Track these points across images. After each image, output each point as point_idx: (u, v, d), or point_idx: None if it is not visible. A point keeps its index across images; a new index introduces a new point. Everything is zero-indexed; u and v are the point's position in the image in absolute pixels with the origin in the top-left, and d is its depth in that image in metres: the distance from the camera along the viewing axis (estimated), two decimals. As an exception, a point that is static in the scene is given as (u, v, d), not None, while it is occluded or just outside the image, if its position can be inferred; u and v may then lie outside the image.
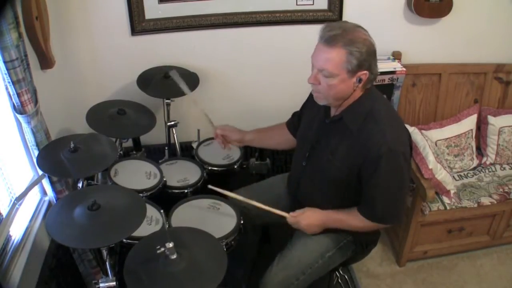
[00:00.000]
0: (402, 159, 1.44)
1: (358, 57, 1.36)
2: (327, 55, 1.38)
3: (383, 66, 2.26)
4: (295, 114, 1.86)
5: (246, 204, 1.73)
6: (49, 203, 1.82)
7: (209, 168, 2.03)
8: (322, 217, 1.61)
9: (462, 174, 2.42)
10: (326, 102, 1.51)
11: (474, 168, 2.46)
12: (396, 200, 1.52)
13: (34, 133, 1.61)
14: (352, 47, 1.35)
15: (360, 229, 1.62)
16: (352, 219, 1.57)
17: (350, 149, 1.48)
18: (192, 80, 2.15)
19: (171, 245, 1.28)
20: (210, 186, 1.78)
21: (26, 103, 1.51)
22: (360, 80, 1.41)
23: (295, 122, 1.84)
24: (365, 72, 1.40)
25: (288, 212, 1.65)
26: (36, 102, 1.58)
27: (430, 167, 2.09)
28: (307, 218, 1.61)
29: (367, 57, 1.37)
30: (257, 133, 1.93)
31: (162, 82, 2.07)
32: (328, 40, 1.38)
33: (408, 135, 1.55)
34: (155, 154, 2.25)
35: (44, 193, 1.84)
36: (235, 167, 2.06)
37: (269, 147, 1.99)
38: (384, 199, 1.49)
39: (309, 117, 1.68)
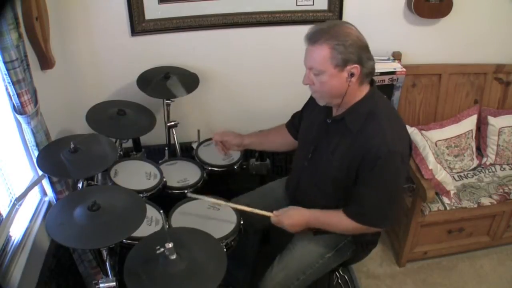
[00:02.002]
0: (400, 160, 1.43)
1: (342, 51, 1.36)
2: (312, 53, 1.39)
3: (383, 66, 2.26)
4: (295, 116, 1.86)
5: (232, 207, 1.71)
6: (49, 203, 1.82)
7: (209, 168, 2.03)
8: (305, 216, 1.58)
9: (462, 174, 2.42)
10: (325, 102, 1.51)
11: (474, 169, 2.46)
12: (387, 202, 1.49)
13: (34, 134, 1.61)
14: (334, 41, 1.35)
15: (347, 232, 1.60)
16: (338, 220, 1.54)
17: (349, 149, 1.48)
18: (192, 80, 2.15)
19: (170, 245, 1.28)
20: (189, 194, 1.72)
21: (26, 104, 1.51)
22: (352, 75, 1.40)
23: (296, 124, 1.83)
24: (355, 66, 1.38)
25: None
26: (36, 102, 1.58)
27: (430, 167, 2.09)
28: (290, 217, 1.58)
29: (353, 50, 1.36)
30: (256, 136, 1.92)
31: (162, 82, 2.07)
32: (311, 38, 1.39)
33: (409, 137, 1.54)
34: (155, 155, 2.25)
35: (44, 193, 1.84)
36: (235, 167, 2.06)
37: (269, 150, 1.98)
38: (374, 200, 1.47)
39: (310, 118, 1.68)
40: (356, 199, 1.51)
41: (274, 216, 1.61)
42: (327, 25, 1.40)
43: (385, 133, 1.42)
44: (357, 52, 1.38)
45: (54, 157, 1.57)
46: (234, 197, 1.92)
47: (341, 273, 1.93)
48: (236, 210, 1.74)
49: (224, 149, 1.92)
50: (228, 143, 1.90)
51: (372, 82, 1.50)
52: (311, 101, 1.69)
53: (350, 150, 1.48)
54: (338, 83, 1.41)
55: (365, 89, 1.48)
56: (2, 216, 1.54)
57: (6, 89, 1.49)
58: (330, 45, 1.36)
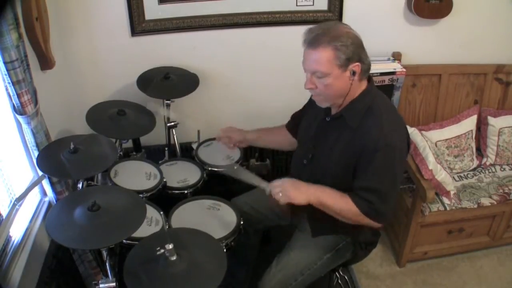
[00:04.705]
0: (398, 154, 1.44)
1: (345, 51, 1.37)
2: (315, 56, 1.39)
3: (383, 66, 2.26)
4: (294, 116, 1.86)
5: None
6: (49, 203, 1.82)
7: (209, 168, 2.02)
8: (312, 187, 1.51)
9: (462, 175, 2.42)
10: (328, 104, 1.51)
11: (474, 169, 2.46)
12: (385, 195, 1.47)
13: (34, 134, 1.61)
14: (337, 42, 1.37)
15: (346, 216, 1.50)
16: (343, 200, 1.48)
17: (348, 144, 1.48)
18: (192, 80, 2.15)
19: (170, 246, 1.29)
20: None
21: (26, 104, 1.51)
22: (354, 73, 1.41)
23: (296, 124, 1.83)
24: (356, 64, 1.41)
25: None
26: (36, 102, 1.58)
27: (430, 168, 2.09)
28: (292, 181, 1.52)
29: (354, 49, 1.39)
30: (258, 133, 1.94)
31: (162, 82, 2.07)
32: (311, 42, 1.40)
33: (406, 131, 1.55)
34: (155, 155, 2.25)
35: (44, 194, 1.84)
36: (235, 168, 2.06)
37: (271, 147, 2.01)
38: (374, 193, 1.45)
39: (310, 117, 1.68)
40: (357, 191, 1.48)
41: (271, 185, 1.55)
42: (325, 27, 1.41)
43: (382, 127, 1.43)
44: (357, 51, 1.40)
45: (54, 157, 1.57)
46: (234, 197, 1.92)
47: (341, 273, 1.93)
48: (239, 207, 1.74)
49: (229, 144, 1.96)
50: (232, 139, 1.94)
51: (369, 79, 1.52)
52: (311, 101, 1.69)
53: (349, 146, 1.48)
54: (342, 83, 1.43)
55: (363, 85, 1.50)
56: (2, 216, 1.54)
57: (6, 89, 1.49)
58: (334, 46, 1.37)
